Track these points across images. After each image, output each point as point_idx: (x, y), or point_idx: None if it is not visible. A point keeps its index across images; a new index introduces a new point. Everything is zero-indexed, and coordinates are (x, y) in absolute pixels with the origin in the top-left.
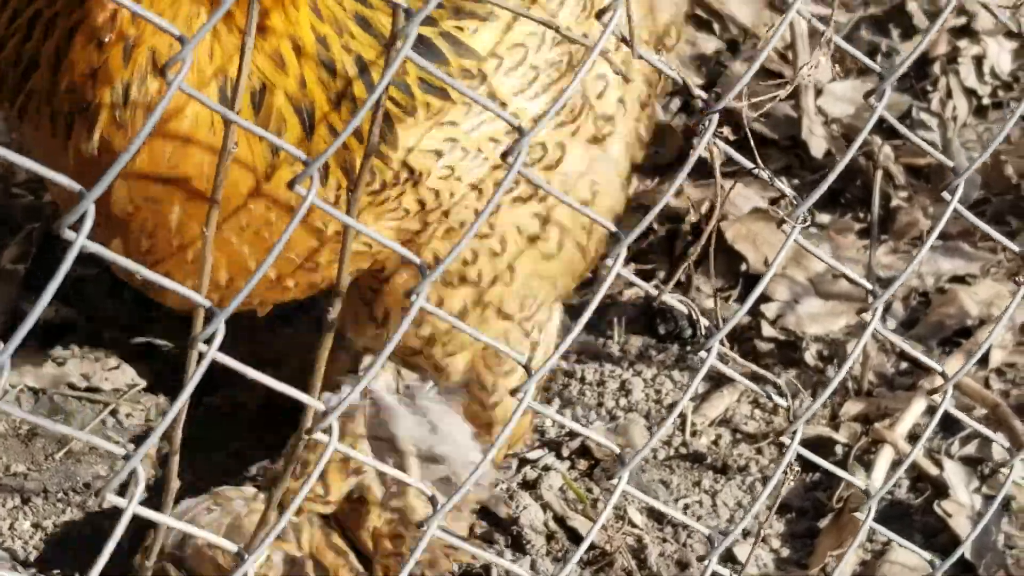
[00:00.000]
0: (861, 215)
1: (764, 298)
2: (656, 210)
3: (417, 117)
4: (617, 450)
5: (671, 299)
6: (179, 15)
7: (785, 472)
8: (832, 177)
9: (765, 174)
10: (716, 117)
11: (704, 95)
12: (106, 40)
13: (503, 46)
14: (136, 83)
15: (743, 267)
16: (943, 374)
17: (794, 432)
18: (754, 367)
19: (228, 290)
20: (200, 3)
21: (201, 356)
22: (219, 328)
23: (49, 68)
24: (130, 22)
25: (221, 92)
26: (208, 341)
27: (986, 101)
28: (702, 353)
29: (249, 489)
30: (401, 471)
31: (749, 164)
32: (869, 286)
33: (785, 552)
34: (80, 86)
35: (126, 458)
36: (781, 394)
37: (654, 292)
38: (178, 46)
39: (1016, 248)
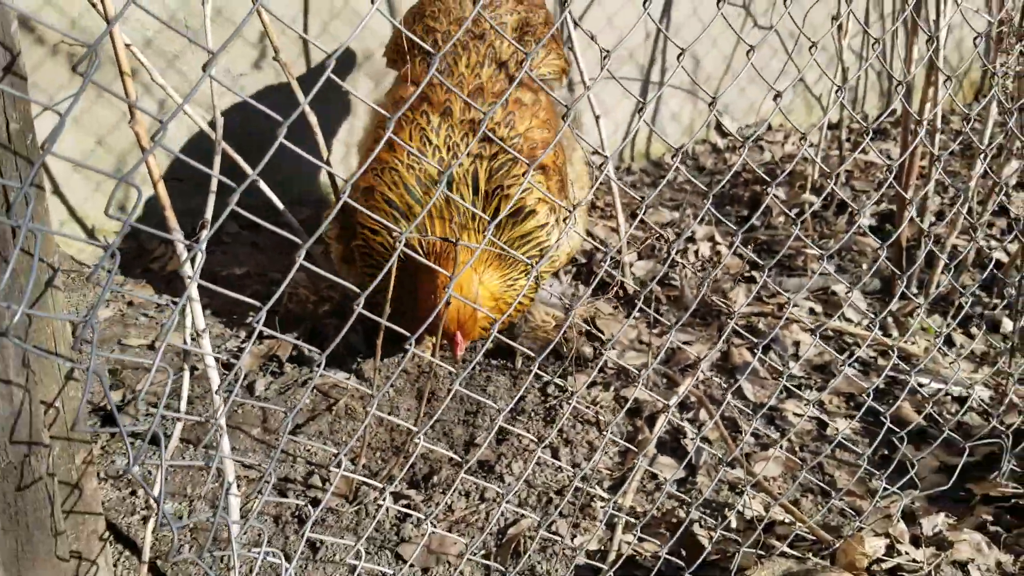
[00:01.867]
0: (650, 314)
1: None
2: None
3: None
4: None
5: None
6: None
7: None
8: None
9: (613, 302)
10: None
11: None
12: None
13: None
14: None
15: (604, 336)
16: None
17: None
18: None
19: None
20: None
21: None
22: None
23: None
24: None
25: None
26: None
27: (699, 268)
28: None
29: None
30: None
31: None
32: (651, 348)
33: (616, 459)
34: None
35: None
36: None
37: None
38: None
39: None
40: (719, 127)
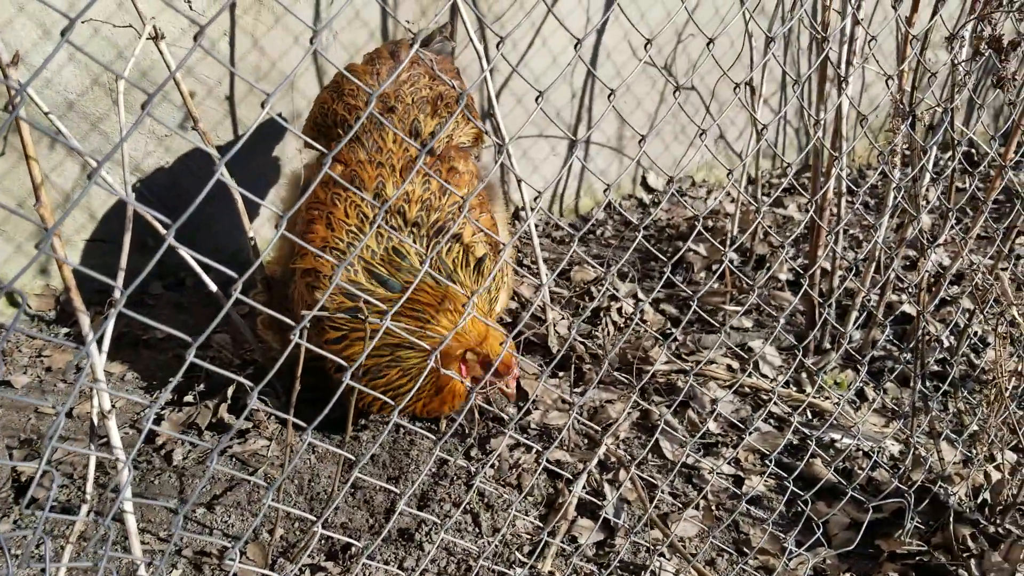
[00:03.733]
0: (571, 374)
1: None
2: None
3: None
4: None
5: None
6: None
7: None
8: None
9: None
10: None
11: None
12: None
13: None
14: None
15: (531, 398)
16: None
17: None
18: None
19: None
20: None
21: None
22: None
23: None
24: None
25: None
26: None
27: (621, 325)
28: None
29: None
30: None
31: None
32: (575, 403)
33: (537, 523)
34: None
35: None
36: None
37: None
38: None
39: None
40: (645, 183)
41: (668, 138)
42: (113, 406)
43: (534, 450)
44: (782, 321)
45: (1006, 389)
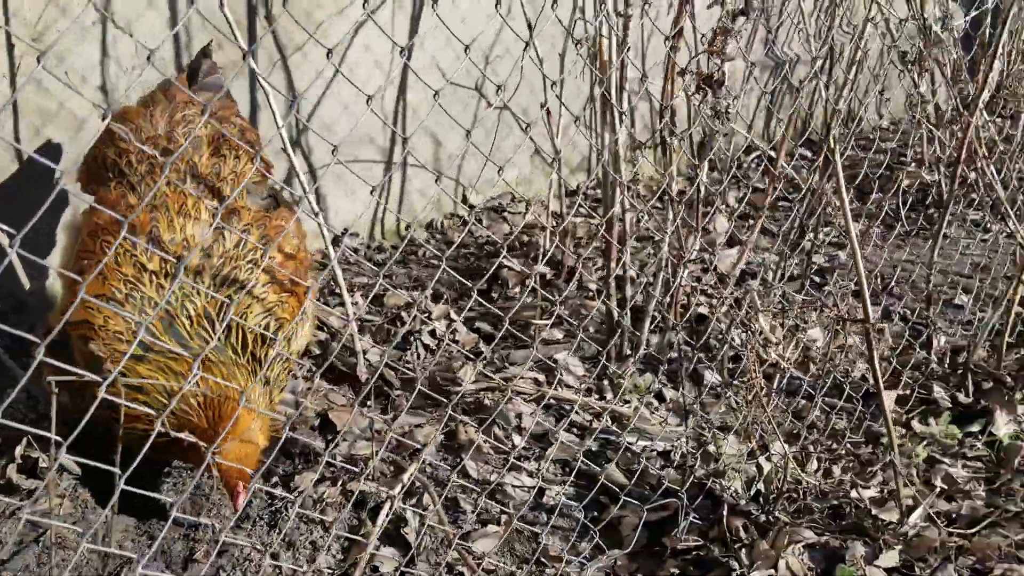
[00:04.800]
0: (375, 401)
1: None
2: None
3: None
4: None
5: None
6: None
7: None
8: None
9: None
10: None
11: None
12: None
13: None
14: None
15: (337, 429)
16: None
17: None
18: None
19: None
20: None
21: None
22: None
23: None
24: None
25: None
26: None
27: (433, 347)
28: None
29: None
30: None
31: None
32: (374, 438)
33: (340, 556)
34: None
35: None
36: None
37: None
38: None
39: None
40: (466, 200)
41: (483, 157)
42: None
43: (340, 482)
44: (594, 327)
45: (762, 388)
